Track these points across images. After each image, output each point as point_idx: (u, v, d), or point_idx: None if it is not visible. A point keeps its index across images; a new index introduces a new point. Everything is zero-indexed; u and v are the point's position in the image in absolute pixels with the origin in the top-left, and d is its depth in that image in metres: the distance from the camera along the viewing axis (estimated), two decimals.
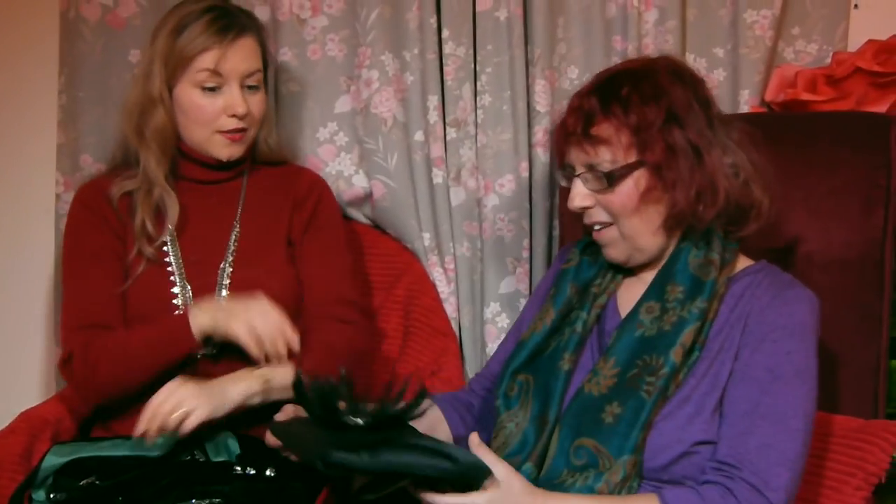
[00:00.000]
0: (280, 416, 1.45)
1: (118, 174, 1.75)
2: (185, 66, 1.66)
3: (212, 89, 1.67)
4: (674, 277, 1.41)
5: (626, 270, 1.49)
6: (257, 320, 1.54)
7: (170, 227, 1.71)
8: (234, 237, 1.73)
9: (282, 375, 1.53)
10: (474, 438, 1.28)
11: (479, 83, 1.98)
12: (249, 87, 1.70)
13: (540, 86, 1.95)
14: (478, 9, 1.95)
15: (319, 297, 1.71)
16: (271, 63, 1.85)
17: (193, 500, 1.45)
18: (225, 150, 1.72)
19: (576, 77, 1.92)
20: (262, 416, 1.56)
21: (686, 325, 1.36)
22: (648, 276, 1.46)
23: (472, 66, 1.98)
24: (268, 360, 1.55)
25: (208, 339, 1.58)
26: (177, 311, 1.66)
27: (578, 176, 1.42)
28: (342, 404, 1.28)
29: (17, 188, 2.12)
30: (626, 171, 1.38)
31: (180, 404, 1.44)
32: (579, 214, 1.45)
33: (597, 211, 1.42)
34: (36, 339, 2.12)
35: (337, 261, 1.76)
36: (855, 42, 1.94)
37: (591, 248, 1.52)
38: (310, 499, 1.52)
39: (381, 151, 1.97)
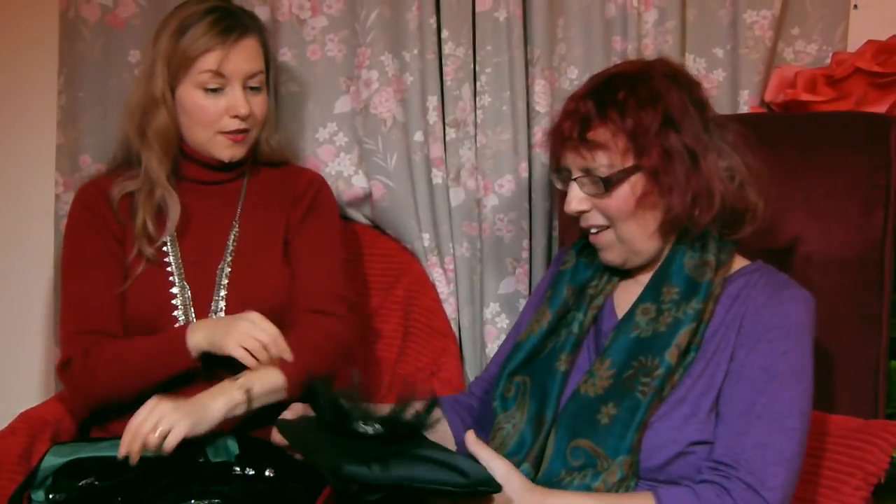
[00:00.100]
0: (287, 415, 1.45)
1: (119, 174, 1.75)
2: (187, 66, 1.66)
3: (214, 90, 1.67)
4: (669, 279, 1.41)
5: (623, 272, 1.49)
6: (250, 335, 1.54)
7: (169, 227, 1.71)
8: (232, 237, 1.73)
9: (263, 382, 1.52)
10: (470, 436, 1.28)
11: (478, 83, 1.98)
12: (252, 89, 1.70)
13: (539, 86, 1.95)
14: (477, 9, 1.95)
15: (308, 289, 1.70)
16: (273, 64, 1.85)
17: (192, 501, 1.45)
18: (227, 151, 1.72)
19: (575, 77, 1.92)
20: (262, 416, 1.57)
21: (681, 326, 1.36)
22: (644, 278, 1.46)
23: (472, 66, 1.98)
24: None
25: (204, 356, 1.58)
26: (175, 312, 1.66)
27: (575, 180, 1.42)
28: (352, 401, 1.28)
29: (17, 189, 2.12)
30: (623, 175, 1.38)
31: (159, 423, 1.43)
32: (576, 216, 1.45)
33: (593, 215, 1.42)
34: (35, 339, 2.12)
35: (329, 255, 1.75)
36: (854, 42, 1.94)
37: (588, 249, 1.52)
38: (310, 499, 1.52)
39: (381, 152, 1.97)
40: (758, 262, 1.46)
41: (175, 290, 1.68)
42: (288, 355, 1.55)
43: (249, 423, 1.57)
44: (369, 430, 1.26)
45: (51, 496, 1.48)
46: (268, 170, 1.81)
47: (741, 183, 1.41)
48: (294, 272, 1.72)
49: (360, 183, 2.00)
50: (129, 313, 1.67)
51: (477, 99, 1.98)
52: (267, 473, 1.51)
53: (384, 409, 1.32)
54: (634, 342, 1.39)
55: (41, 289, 2.09)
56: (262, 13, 1.92)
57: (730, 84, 1.95)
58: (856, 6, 1.96)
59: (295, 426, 1.41)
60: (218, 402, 1.48)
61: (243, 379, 1.52)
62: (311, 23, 1.98)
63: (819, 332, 1.40)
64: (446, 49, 1.96)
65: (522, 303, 1.97)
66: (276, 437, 1.43)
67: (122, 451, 1.44)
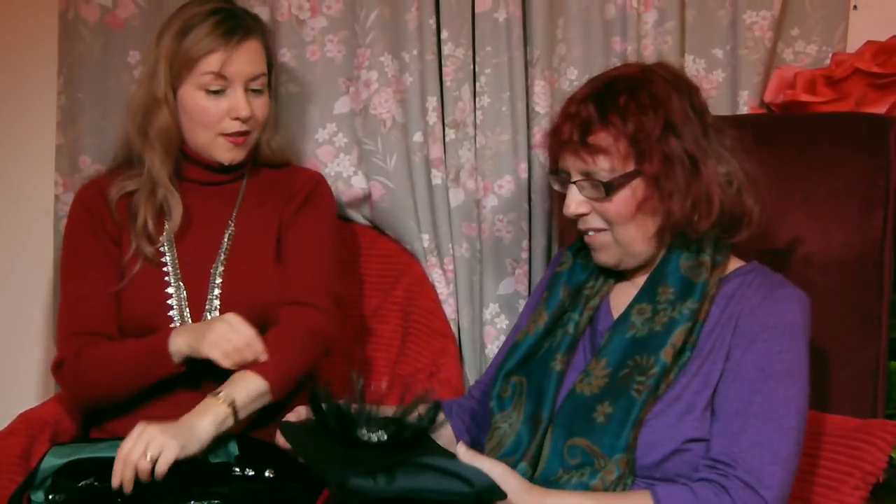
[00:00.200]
0: (291, 417, 1.45)
1: (119, 174, 1.75)
2: (189, 68, 1.66)
3: (216, 92, 1.67)
4: (665, 279, 1.42)
5: (618, 274, 1.49)
6: (225, 338, 1.53)
7: (169, 227, 1.70)
8: (227, 237, 1.73)
9: (246, 390, 1.51)
10: (462, 449, 1.28)
11: (478, 84, 1.97)
12: (253, 91, 1.70)
13: (539, 87, 1.95)
14: (477, 10, 1.95)
15: (293, 282, 1.68)
16: (275, 66, 1.84)
17: (192, 502, 1.45)
18: (227, 155, 1.71)
19: (575, 78, 1.92)
20: (262, 417, 1.57)
21: (677, 326, 1.37)
22: (640, 280, 1.46)
23: (472, 66, 1.98)
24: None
25: (188, 360, 1.57)
26: (171, 312, 1.66)
27: (574, 183, 1.42)
28: (355, 407, 1.28)
29: (17, 189, 2.12)
30: (624, 180, 1.38)
31: (148, 448, 1.42)
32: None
33: (592, 218, 1.42)
34: (35, 340, 2.12)
35: (318, 248, 1.73)
36: (854, 43, 1.94)
37: (584, 251, 1.52)
38: (309, 500, 1.52)
39: (380, 152, 1.97)
40: (753, 263, 1.46)
41: (170, 290, 1.68)
42: (264, 357, 1.54)
43: (249, 424, 1.57)
44: (373, 437, 1.27)
45: (50, 497, 1.48)
46: (268, 171, 1.81)
47: (739, 188, 1.42)
48: (284, 264, 1.71)
49: (359, 184, 2.00)
50: (124, 313, 1.67)
51: (476, 99, 1.98)
52: (266, 474, 1.51)
53: (387, 410, 1.32)
54: (630, 342, 1.40)
55: (41, 289, 2.09)
56: (262, 14, 1.92)
57: (729, 85, 1.95)
58: (855, 7, 1.96)
59: (299, 430, 1.40)
60: (205, 421, 1.47)
61: (225, 391, 1.50)
62: (310, 23, 1.98)
63: (818, 332, 1.40)
64: (446, 50, 1.96)
65: (522, 303, 1.97)
66: (280, 439, 1.43)
67: (115, 481, 1.43)
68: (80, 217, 1.74)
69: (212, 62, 1.65)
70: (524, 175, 1.97)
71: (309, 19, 1.98)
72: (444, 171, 1.98)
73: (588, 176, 1.40)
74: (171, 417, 1.49)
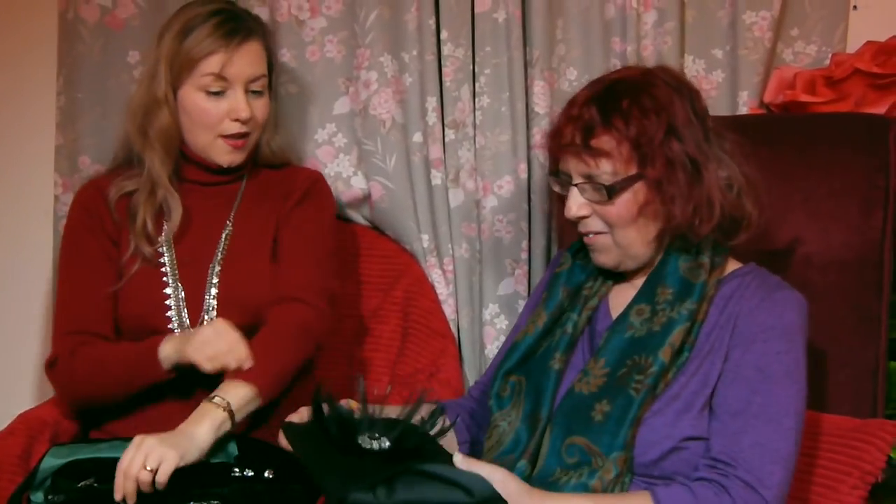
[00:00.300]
0: (294, 418, 1.45)
1: (118, 174, 1.75)
2: (190, 68, 1.66)
3: (216, 93, 1.67)
4: (664, 280, 1.42)
5: (617, 275, 1.50)
6: (208, 344, 1.53)
7: (168, 228, 1.70)
8: (224, 237, 1.73)
9: (236, 396, 1.50)
10: (458, 458, 1.27)
11: (477, 84, 1.97)
12: (254, 92, 1.70)
13: (539, 87, 1.95)
14: (476, 10, 1.95)
15: (286, 279, 1.67)
16: (276, 67, 1.84)
17: (191, 503, 1.45)
18: (226, 157, 1.71)
19: (574, 79, 1.92)
20: (260, 415, 1.57)
21: (675, 326, 1.38)
22: (639, 281, 1.47)
23: (471, 67, 1.98)
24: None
25: (177, 367, 1.57)
26: (169, 312, 1.66)
27: (576, 185, 1.42)
28: (358, 408, 1.28)
29: (16, 189, 2.12)
30: (627, 183, 1.38)
31: (147, 459, 1.41)
32: None
33: (593, 220, 1.43)
34: (34, 340, 2.11)
35: (313, 245, 1.72)
36: (854, 43, 1.94)
37: (583, 252, 1.53)
38: (309, 500, 1.52)
39: (380, 153, 1.97)
40: (751, 265, 1.47)
41: (169, 290, 1.68)
42: (248, 363, 1.52)
43: (248, 424, 1.56)
44: (374, 445, 1.26)
45: (50, 497, 1.48)
46: (268, 171, 1.81)
47: (739, 192, 1.42)
48: (279, 261, 1.71)
49: (359, 184, 2.00)
50: (122, 313, 1.67)
51: (476, 100, 1.98)
52: (266, 475, 1.51)
53: (390, 412, 1.32)
54: (628, 341, 1.40)
55: (40, 289, 2.09)
56: (262, 14, 1.92)
57: (729, 85, 1.95)
58: (855, 7, 1.96)
59: (301, 432, 1.39)
60: (203, 428, 1.46)
61: (218, 396, 1.49)
62: (310, 24, 1.98)
63: (818, 332, 1.40)
64: (445, 50, 1.96)
65: (521, 304, 1.97)
66: (283, 441, 1.43)
67: (117, 495, 1.42)
68: (79, 217, 1.74)
69: (212, 63, 1.65)
70: (524, 175, 1.97)
71: (309, 20, 1.98)
72: (444, 171, 1.98)
73: (590, 179, 1.40)
74: (170, 418, 1.49)
